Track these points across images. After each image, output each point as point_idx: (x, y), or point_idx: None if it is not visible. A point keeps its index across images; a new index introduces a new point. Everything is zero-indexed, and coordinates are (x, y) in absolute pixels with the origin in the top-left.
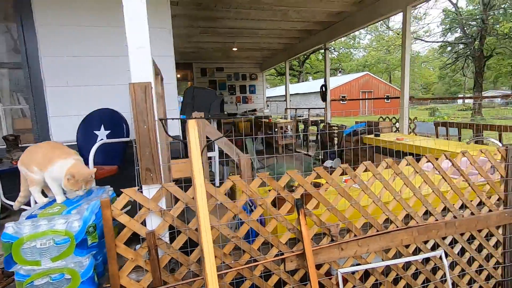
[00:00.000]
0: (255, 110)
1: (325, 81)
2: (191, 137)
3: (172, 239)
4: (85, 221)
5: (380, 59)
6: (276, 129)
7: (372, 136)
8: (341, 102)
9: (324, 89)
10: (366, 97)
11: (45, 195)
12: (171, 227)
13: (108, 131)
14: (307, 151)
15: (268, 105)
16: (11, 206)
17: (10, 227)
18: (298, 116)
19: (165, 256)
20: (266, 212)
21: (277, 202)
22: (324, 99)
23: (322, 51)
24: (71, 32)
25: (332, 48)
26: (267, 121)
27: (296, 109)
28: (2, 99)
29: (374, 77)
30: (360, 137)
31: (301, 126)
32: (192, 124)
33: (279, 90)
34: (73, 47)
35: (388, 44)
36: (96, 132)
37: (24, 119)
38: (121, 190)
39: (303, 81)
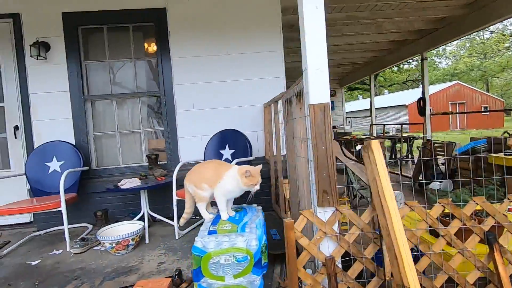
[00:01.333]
0: (334, 127)
1: (423, 93)
2: (377, 158)
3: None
4: (260, 240)
5: (474, 66)
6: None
7: (501, 155)
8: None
9: (422, 102)
10: (466, 110)
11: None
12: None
13: (232, 151)
14: (400, 171)
15: (349, 122)
16: (154, 218)
17: (199, 242)
18: (386, 133)
19: (340, 285)
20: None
21: (463, 234)
22: (422, 113)
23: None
24: (197, 62)
25: (410, 59)
26: (349, 138)
27: (384, 125)
28: (142, 123)
29: (467, 87)
30: (482, 156)
31: (387, 143)
32: (376, 146)
33: (351, 106)
34: (199, 75)
35: (484, 48)
36: (222, 151)
37: (157, 140)
38: (300, 212)
39: (377, 95)
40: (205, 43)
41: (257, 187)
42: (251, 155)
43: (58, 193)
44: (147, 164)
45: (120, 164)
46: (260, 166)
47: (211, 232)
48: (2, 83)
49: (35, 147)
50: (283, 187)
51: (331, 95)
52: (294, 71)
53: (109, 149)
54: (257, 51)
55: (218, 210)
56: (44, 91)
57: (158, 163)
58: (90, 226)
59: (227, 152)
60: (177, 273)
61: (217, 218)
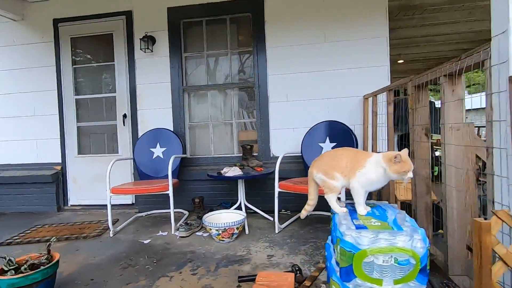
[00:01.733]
0: None
1: None
2: None
3: None
4: (425, 242)
5: None
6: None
7: None
8: None
9: None
10: None
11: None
12: None
13: (334, 144)
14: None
15: None
16: (249, 209)
17: (349, 236)
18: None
19: None
20: None
21: None
22: None
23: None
24: (293, 51)
25: None
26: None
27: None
28: (234, 114)
29: None
30: None
31: None
32: None
33: None
34: (294, 65)
35: None
36: (321, 144)
37: (247, 131)
38: (492, 211)
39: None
40: (302, 32)
41: (410, 174)
42: (357, 147)
43: (160, 177)
44: (240, 154)
45: (212, 154)
46: (406, 150)
47: (359, 227)
48: (115, 75)
49: (139, 134)
50: (394, 185)
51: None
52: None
53: (202, 138)
54: (358, 38)
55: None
56: (148, 82)
57: (252, 154)
58: (186, 212)
59: (327, 145)
60: (297, 268)
61: (351, 213)
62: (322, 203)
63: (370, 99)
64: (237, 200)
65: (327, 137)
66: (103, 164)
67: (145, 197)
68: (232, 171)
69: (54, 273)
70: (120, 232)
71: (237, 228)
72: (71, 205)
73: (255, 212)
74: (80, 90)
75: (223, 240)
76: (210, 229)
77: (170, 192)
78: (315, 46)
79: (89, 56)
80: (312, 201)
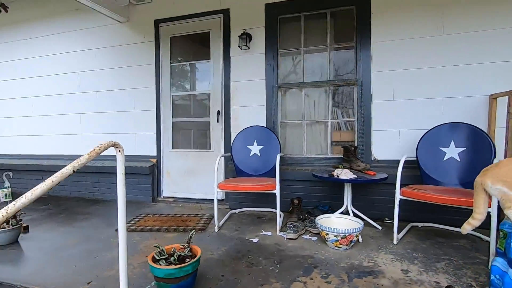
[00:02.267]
0: None
1: None
2: None
3: None
4: None
5: None
6: None
7: None
8: None
9: None
10: None
11: None
12: None
13: (462, 149)
14: None
15: None
16: (358, 216)
17: None
18: None
19: None
20: None
21: None
22: None
23: None
24: (403, 45)
25: None
26: None
27: None
28: (329, 113)
29: None
30: None
31: None
32: None
33: None
34: (402, 60)
35: None
36: (443, 149)
37: (339, 132)
38: None
39: None
40: (413, 24)
41: None
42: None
43: (258, 175)
44: (335, 156)
45: (304, 154)
46: None
47: None
48: (211, 73)
49: (231, 131)
50: None
51: None
52: None
53: (294, 138)
54: (485, 29)
55: None
56: (243, 79)
57: (357, 156)
58: (280, 213)
59: (452, 151)
60: None
61: None
62: (438, 215)
63: (501, 99)
64: (334, 203)
65: (452, 141)
66: (195, 159)
67: (236, 194)
68: (344, 174)
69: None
70: (222, 228)
71: (356, 236)
72: (164, 197)
73: (364, 219)
74: (177, 87)
75: (339, 247)
76: (327, 234)
77: (277, 191)
78: (428, 39)
79: (186, 55)
80: (480, 215)
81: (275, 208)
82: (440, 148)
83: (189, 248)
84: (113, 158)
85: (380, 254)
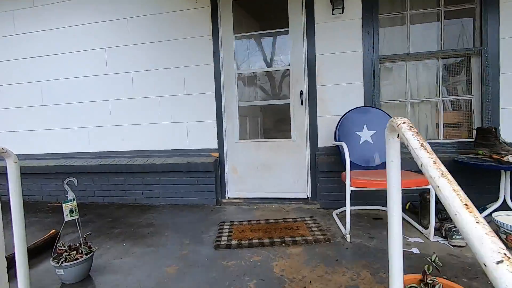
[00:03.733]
0: None
1: None
2: None
3: None
4: None
5: None
6: None
7: None
8: None
9: None
10: None
11: None
12: None
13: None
14: None
15: None
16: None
17: None
18: None
19: None
20: None
21: None
22: None
23: None
24: None
25: None
26: None
27: None
28: (441, 90)
29: None
30: None
31: None
32: None
33: None
34: None
35: None
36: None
37: (449, 112)
38: None
39: None
40: None
41: None
42: None
43: (372, 167)
44: (453, 140)
45: None
46: None
47: None
48: (290, 44)
49: (318, 115)
50: None
51: None
52: None
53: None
54: None
55: None
56: (332, 51)
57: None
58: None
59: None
60: None
61: None
62: None
63: None
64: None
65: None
66: (271, 151)
67: (328, 190)
68: None
69: None
70: (343, 233)
71: None
72: (230, 198)
73: None
74: (243, 64)
75: None
76: None
77: (433, 188)
78: None
79: (255, 23)
80: None
81: (383, 206)
82: None
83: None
84: (161, 153)
85: None
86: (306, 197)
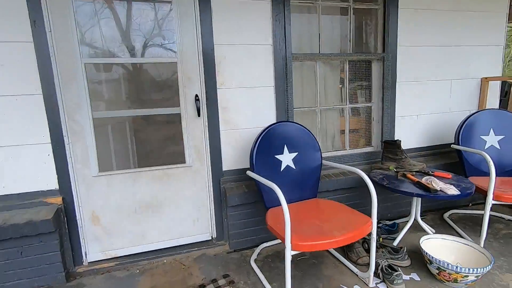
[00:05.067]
0: None
1: None
2: None
3: None
4: None
5: None
6: None
7: None
8: None
9: None
10: None
11: None
12: None
13: (501, 136)
14: None
15: None
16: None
17: None
18: None
19: None
20: None
21: None
22: None
23: None
24: (424, 17)
25: None
26: None
27: None
28: (347, 95)
29: None
30: None
31: None
32: None
33: None
34: (424, 35)
35: None
36: (484, 137)
37: (353, 120)
38: None
39: None
40: None
41: None
42: None
43: (294, 199)
44: (358, 151)
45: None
46: None
47: None
48: (175, 22)
49: (220, 129)
50: None
51: None
52: None
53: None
54: (480, 10)
55: None
56: (236, 41)
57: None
58: None
59: (492, 139)
60: None
61: None
62: None
63: (492, 82)
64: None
65: (491, 129)
66: (157, 184)
67: (240, 227)
68: (448, 187)
69: None
70: None
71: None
72: (91, 263)
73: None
74: (97, 47)
75: None
76: (464, 276)
77: (373, 229)
78: (446, 13)
79: None
80: None
81: None
82: (481, 136)
83: None
84: None
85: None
86: (211, 237)
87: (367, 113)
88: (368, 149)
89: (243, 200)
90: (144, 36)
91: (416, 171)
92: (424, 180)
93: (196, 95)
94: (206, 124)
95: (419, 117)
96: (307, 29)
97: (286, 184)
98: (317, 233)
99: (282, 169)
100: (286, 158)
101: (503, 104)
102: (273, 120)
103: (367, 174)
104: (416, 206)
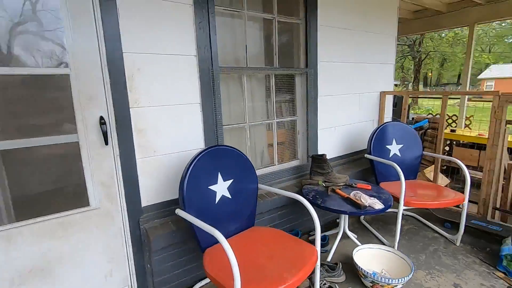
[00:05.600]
0: None
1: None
2: None
3: None
4: None
5: None
6: None
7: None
8: None
9: None
10: None
11: None
12: None
13: (401, 145)
14: None
15: None
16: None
17: None
18: None
19: None
20: None
21: None
22: None
23: None
24: (339, 34)
25: None
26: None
27: None
28: (274, 110)
29: None
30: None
31: None
32: None
33: None
34: (340, 51)
35: None
36: (388, 146)
37: (270, 131)
38: None
39: None
40: (346, 11)
41: None
42: (421, 152)
43: (230, 234)
44: (284, 167)
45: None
46: None
47: None
48: (62, 17)
49: (137, 157)
50: None
51: None
52: None
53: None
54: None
55: None
56: (151, 49)
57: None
58: None
59: (394, 147)
60: None
61: None
62: None
63: (388, 96)
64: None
65: (393, 139)
66: (50, 240)
67: (167, 271)
68: (373, 203)
69: None
70: None
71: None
72: None
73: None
74: None
75: None
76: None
77: (317, 269)
78: (357, 33)
79: None
80: None
81: None
82: (387, 146)
83: None
84: None
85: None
86: None
87: (292, 126)
88: (295, 163)
89: (170, 241)
90: (9, 34)
91: (341, 183)
92: (353, 195)
93: (102, 117)
94: (117, 152)
95: (336, 128)
96: (233, 40)
97: (223, 217)
98: (265, 279)
99: (217, 200)
100: (221, 188)
101: (394, 113)
102: (200, 141)
103: (299, 189)
104: (345, 219)
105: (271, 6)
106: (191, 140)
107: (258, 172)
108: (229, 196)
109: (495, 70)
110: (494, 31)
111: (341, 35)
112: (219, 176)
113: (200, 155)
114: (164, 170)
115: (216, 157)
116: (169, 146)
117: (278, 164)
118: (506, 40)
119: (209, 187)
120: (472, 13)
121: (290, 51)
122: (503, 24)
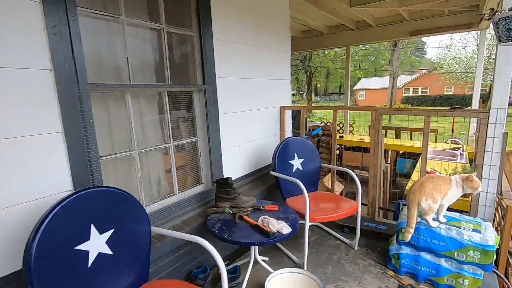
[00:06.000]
0: None
1: None
2: None
3: None
4: None
5: None
6: None
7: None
8: None
9: None
10: None
11: None
12: None
13: (302, 159)
14: None
15: None
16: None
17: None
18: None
19: None
20: None
21: None
22: None
23: None
24: (235, 50)
25: None
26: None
27: None
28: (171, 132)
29: None
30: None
31: None
32: None
33: None
34: (236, 67)
35: None
36: (291, 161)
37: (167, 155)
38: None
39: None
40: (243, 27)
41: (480, 189)
42: (319, 163)
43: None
44: (185, 196)
45: (143, 204)
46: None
47: (476, 231)
48: None
49: None
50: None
51: None
52: None
53: (121, 178)
54: (275, 49)
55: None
56: None
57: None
58: None
59: (296, 162)
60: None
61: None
62: None
63: (288, 110)
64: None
65: (295, 154)
66: None
67: None
68: (281, 228)
69: None
70: None
71: None
72: None
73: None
74: None
75: None
76: None
77: None
78: (254, 49)
79: None
80: (414, 224)
81: None
82: (290, 161)
83: None
84: None
85: None
86: None
87: (193, 148)
88: (199, 189)
89: None
90: None
91: (249, 208)
92: (261, 221)
93: None
94: None
95: (241, 146)
96: (113, 52)
97: (100, 283)
98: None
99: (90, 263)
100: (96, 244)
101: (294, 126)
102: (67, 182)
103: (203, 220)
104: (255, 248)
105: (158, 14)
106: (51, 183)
107: (155, 206)
108: (110, 252)
109: (365, 82)
110: (361, 51)
111: (239, 51)
112: (93, 229)
113: (57, 208)
114: (10, 231)
115: (86, 204)
116: (16, 196)
117: (179, 192)
118: (369, 58)
119: (76, 247)
120: (348, 36)
121: (186, 66)
122: (367, 46)
